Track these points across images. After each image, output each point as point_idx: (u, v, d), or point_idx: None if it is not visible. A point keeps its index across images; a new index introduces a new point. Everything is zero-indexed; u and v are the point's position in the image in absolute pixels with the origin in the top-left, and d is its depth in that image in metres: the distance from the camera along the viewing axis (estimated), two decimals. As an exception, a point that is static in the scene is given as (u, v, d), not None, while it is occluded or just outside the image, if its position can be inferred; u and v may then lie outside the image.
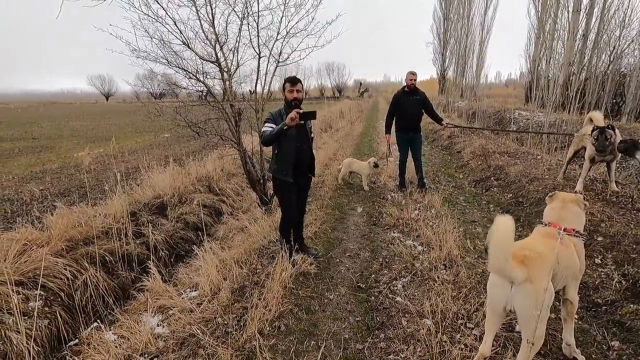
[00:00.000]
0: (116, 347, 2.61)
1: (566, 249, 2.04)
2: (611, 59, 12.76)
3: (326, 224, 4.70)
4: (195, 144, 11.36)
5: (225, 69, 4.83)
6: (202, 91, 5.03)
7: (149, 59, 4.57)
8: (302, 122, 3.11)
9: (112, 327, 3.05)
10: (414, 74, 5.70)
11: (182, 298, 3.20)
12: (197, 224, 5.23)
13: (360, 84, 67.29)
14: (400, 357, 2.35)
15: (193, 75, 4.79)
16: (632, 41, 12.55)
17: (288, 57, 5.06)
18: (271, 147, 3.39)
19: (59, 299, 3.33)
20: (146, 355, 2.50)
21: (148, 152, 10.23)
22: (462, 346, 2.34)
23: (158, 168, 6.73)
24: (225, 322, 2.72)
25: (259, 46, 4.83)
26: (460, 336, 2.44)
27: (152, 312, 3.06)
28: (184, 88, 5.08)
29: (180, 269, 4.13)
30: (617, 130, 4.30)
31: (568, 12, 13.52)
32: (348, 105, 24.17)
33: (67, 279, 3.49)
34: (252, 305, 2.85)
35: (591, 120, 4.73)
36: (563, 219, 2.19)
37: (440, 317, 2.63)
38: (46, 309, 3.15)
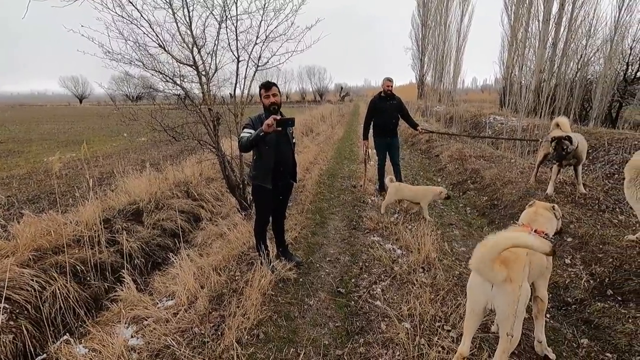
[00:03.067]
0: (87, 361, 2.50)
1: None
2: (579, 67, 13.40)
3: (306, 229, 4.69)
4: (173, 148, 11.12)
5: (203, 73, 4.76)
6: (179, 95, 4.93)
7: (123, 61, 4.45)
8: (279, 128, 3.00)
9: (83, 340, 2.92)
10: (390, 80, 5.80)
11: (158, 308, 3.11)
12: (174, 230, 5.10)
13: (342, 88, 67.74)
14: (380, 361, 2.36)
15: (170, 78, 4.69)
16: (597, 50, 13.24)
17: (267, 62, 5.03)
18: (251, 152, 3.34)
19: (26, 312, 3.16)
20: (119, 369, 2.41)
21: (124, 157, 9.94)
22: (440, 348, 2.37)
23: (134, 173, 6.54)
24: (202, 332, 2.66)
25: (237, 50, 4.79)
26: (438, 339, 2.47)
27: (125, 323, 2.95)
28: (161, 91, 4.98)
29: (156, 277, 4.01)
30: (575, 138, 4.47)
31: (539, 21, 14.12)
32: (329, 109, 24.32)
33: (35, 290, 3.32)
34: (230, 314, 2.80)
35: (558, 125, 4.93)
36: (535, 221, 2.33)
37: (418, 320, 2.67)
38: (11, 322, 2.99)
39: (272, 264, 3.46)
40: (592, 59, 13.54)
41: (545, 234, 2.24)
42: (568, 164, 4.72)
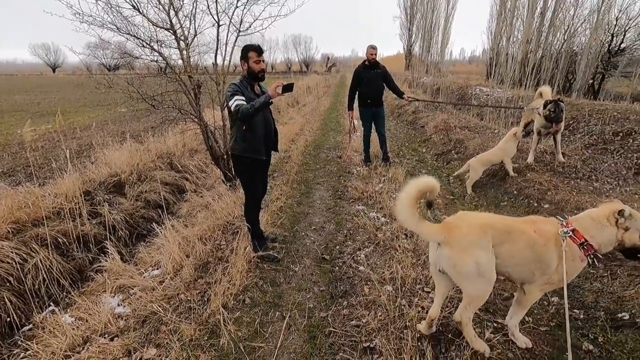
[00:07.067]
0: (73, 329, 2.53)
1: (538, 238, 1.87)
2: (565, 38, 13.36)
3: (292, 199, 4.71)
4: (155, 119, 10.77)
5: (182, 37, 4.55)
6: (157, 61, 4.72)
7: (95, 24, 4.21)
8: (284, 94, 2.95)
9: (69, 310, 2.94)
10: (374, 47, 5.65)
11: (144, 277, 3.12)
12: (158, 202, 5.05)
13: (328, 58, 66.00)
14: (362, 322, 2.45)
15: (146, 43, 4.47)
16: (584, 20, 13.17)
17: (250, 26, 4.83)
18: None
19: (8, 284, 3.14)
20: (106, 336, 2.44)
21: (103, 128, 9.58)
22: (419, 308, 2.48)
23: (114, 145, 6.36)
24: (189, 298, 2.70)
25: (217, 13, 4.57)
26: (418, 299, 2.58)
27: (111, 293, 2.97)
28: (137, 57, 4.75)
29: (141, 248, 4.00)
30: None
31: (528, -11, 13.86)
32: (315, 80, 23.81)
33: (16, 262, 3.28)
34: (216, 281, 2.84)
35: (541, 94, 4.98)
36: (579, 221, 1.93)
37: (400, 283, 2.76)
38: (-7, 294, 2.97)
39: (259, 252, 3.28)
40: (579, 29, 13.51)
41: (588, 244, 1.83)
42: (548, 132, 4.81)
